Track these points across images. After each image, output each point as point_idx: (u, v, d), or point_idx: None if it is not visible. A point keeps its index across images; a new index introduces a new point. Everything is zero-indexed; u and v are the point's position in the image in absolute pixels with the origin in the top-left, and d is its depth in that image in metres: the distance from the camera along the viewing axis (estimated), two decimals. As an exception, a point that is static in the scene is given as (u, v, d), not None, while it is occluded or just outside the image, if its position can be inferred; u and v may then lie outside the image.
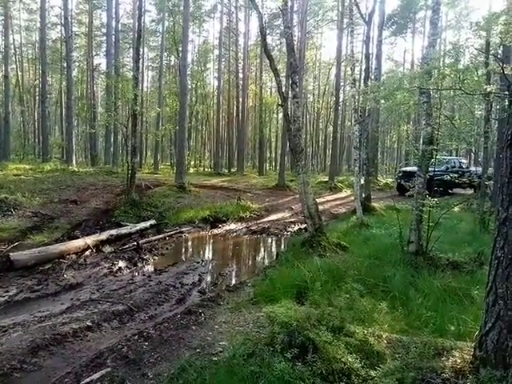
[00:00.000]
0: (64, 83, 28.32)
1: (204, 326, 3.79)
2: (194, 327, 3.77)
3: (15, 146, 28.07)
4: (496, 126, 12.17)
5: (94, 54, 33.72)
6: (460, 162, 17.91)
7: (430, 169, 6.02)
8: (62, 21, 21.98)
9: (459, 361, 2.84)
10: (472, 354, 2.83)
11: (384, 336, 3.42)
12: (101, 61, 41.35)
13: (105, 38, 28.99)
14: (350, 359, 2.97)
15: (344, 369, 2.88)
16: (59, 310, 4.34)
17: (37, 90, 33.57)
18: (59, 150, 30.66)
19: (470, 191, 16.63)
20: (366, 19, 11.96)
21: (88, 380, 2.72)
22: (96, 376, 2.77)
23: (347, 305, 4.00)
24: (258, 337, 3.37)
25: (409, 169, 17.35)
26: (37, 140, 32.94)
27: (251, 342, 3.26)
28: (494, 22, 3.49)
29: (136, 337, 3.48)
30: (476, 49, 4.15)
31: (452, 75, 4.25)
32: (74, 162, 19.68)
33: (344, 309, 3.85)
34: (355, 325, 3.58)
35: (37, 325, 3.82)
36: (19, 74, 32.06)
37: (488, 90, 4.39)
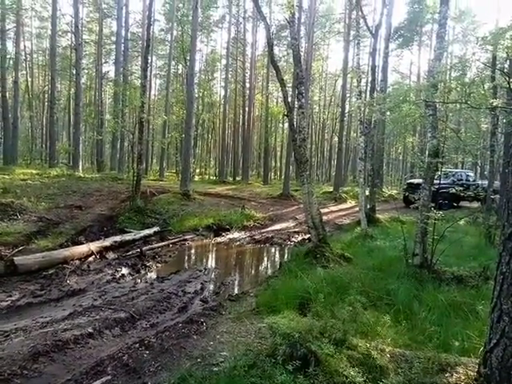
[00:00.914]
0: (73, 90, 28.70)
1: (205, 336, 3.77)
2: (195, 336, 3.75)
3: (23, 150, 28.34)
4: (502, 139, 12.15)
5: (103, 61, 34.13)
6: (467, 175, 17.78)
7: (435, 181, 6.00)
8: (73, 29, 22.25)
9: (463, 377, 2.80)
10: (476, 370, 2.79)
11: (387, 350, 3.39)
12: (109, 68, 41.93)
13: (114, 46, 29.42)
14: (352, 373, 2.95)
15: (346, 383, 2.85)
16: (61, 316, 4.34)
17: (46, 95, 33.98)
18: (66, 156, 30.89)
19: (476, 204, 16.50)
20: (373, 32, 12.05)
21: (88, 388, 2.72)
22: (96, 384, 2.76)
23: (350, 317, 3.97)
24: (260, 348, 3.35)
25: (415, 181, 17.34)
26: (44, 145, 33.23)
27: (252, 352, 3.24)
28: (501, 36, 3.51)
29: (137, 345, 3.47)
30: (482, 63, 4.16)
31: (458, 89, 4.26)
32: (80, 167, 19.81)
33: (347, 321, 3.82)
34: (358, 338, 3.55)
35: (38, 330, 3.82)
36: (29, 79, 32.47)
37: (494, 104, 4.38)
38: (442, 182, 6.29)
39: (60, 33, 30.09)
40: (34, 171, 16.84)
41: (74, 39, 25.25)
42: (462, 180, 16.77)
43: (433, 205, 6.04)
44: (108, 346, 3.58)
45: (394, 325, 4.01)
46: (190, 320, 4.19)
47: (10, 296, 5.05)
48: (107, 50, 35.71)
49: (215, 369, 3.00)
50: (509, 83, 3.40)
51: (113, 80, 28.73)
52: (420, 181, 16.82)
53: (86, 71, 35.93)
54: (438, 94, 4.88)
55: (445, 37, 5.80)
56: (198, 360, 3.20)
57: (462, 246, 8.12)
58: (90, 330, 3.78)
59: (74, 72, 23.97)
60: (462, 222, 11.31)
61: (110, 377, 2.87)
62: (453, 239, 7.68)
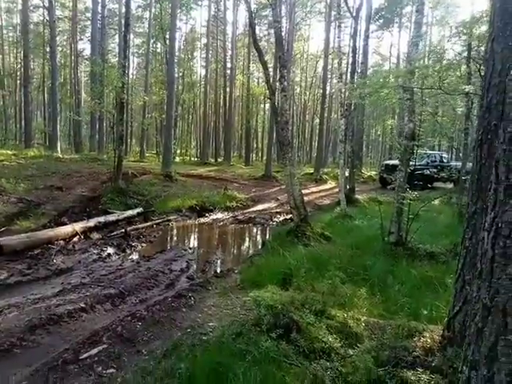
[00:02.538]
0: (47, 68, 27.73)
1: (194, 309, 3.99)
2: (184, 310, 3.96)
3: (-5, 130, 27.42)
4: (476, 122, 12.58)
5: (78, 38, 32.96)
6: (441, 157, 18.18)
7: (410, 163, 6.29)
8: (45, 3, 21.36)
9: (429, 341, 3.10)
10: (441, 334, 3.10)
11: (362, 319, 3.67)
12: (85, 46, 40.54)
13: (89, 22, 28.37)
14: (330, 339, 3.22)
15: (325, 348, 3.11)
16: (52, 293, 4.46)
17: (18, 74, 32.73)
18: (41, 136, 30.09)
19: (450, 185, 17.07)
20: (354, 14, 12.13)
21: (86, 355, 2.90)
22: (94, 351, 2.94)
23: (329, 290, 4.24)
24: (245, 318, 3.58)
25: (391, 162, 17.82)
26: (18, 125, 32.20)
27: (239, 323, 3.47)
28: (474, 25, 3.71)
29: (129, 318, 3.66)
30: (457, 52, 4.38)
31: (434, 75, 4.48)
32: (58, 148, 19.37)
33: (326, 294, 4.09)
34: (336, 309, 3.82)
35: (31, 306, 3.95)
36: (0, 57, 31.15)
37: (466, 90, 4.63)
38: (416, 163, 6.57)
39: (31, 8, 28.78)
40: (9, 152, 16.43)
41: (46, 15, 24.28)
42: (435, 162, 17.23)
43: (408, 186, 6.36)
44: (101, 319, 3.75)
45: (369, 297, 4.30)
46: (178, 295, 4.39)
47: (-2, 275, 5.13)
48: (82, 27, 34.43)
49: (204, 337, 3.22)
50: (479, 70, 3.63)
51: (89, 58, 27.85)
52: (395, 162, 17.38)
53: (60, 48, 34.58)
54: (415, 79, 5.09)
55: (422, 23, 5.98)
56: (188, 330, 3.42)
57: (435, 224, 8.55)
58: (83, 304, 3.93)
59: (48, 49, 23.15)
60: (436, 202, 11.81)
61: (106, 345, 3.06)
62: (427, 218, 8.09)
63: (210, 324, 3.55)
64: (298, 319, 3.36)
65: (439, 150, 24.00)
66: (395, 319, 3.68)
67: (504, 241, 1.31)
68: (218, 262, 7.05)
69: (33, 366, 2.85)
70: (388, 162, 19.24)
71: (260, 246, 7.90)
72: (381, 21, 32.27)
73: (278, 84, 7.82)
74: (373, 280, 4.80)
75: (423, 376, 2.61)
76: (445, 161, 17.85)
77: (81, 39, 35.39)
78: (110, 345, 3.09)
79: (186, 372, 2.58)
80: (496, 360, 1.27)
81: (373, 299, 4.28)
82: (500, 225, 1.33)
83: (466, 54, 6.16)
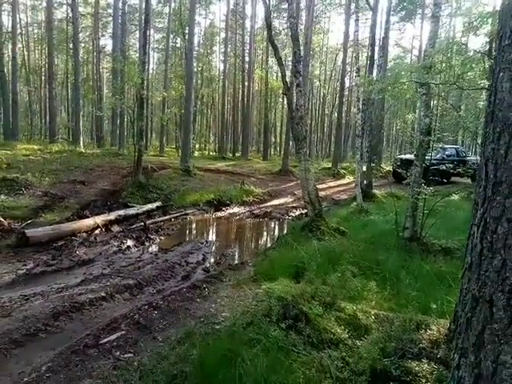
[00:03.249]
0: (70, 64, 28.39)
1: (208, 299, 4.15)
2: (198, 300, 4.12)
3: (22, 126, 28.32)
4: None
5: (100, 34, 33.58)
6: (457, 151, 17.53)
7: (426, 158, 6.25)
8: (69, 0, 21.89)
9: (436, 333, 3.16)
10: (448, 327, 3.15)
11: (372, 312, 3.73)
12: (106, 42, 41.17)
13: (110, 18, 28.87)
14: (338, 330, 3.31)
15: (333, 339, 3.21)
16: (74, 283, 4.71)
17: (43, 70, 33.62)
18: (65, 131, 30.92)
19: (468, 180, 16.65)
20: (372, 6, 11.99)
21: (106, 340, 3.09)
22: (113, 337, 3.13)
23: (340, 284, 4.32)
24: (257, 309, 3.70)
25: (404, 156, 17.56)
26: (43, 121, 33.15)
27: (250, 313, 3.60)
28: (484, 22, 3.68)
29: (146, 306, 3.85)
30: (474, 50, 4.34)
31: (448, 70, 4.45)
32: (81, 143, 19.92)
33: (336, 287, 4.17)
34: (346, 302, 3.90)
35: (55, 295, 4.19)
36: (25, 54, 32.04)
37: (481, 85, 4.59)
38: (432, 158, 6.52)
39: (55, 5, 29.49)
40: (35, 147, 17.00)
41: (69, 12, 24.86)
42: (451, 156, 16.76)
43: (423, 181, 6.32)
44: (120, 308, 3.96)
45: (380, 291, 4.36)
46: (193, 286, 4.57)
47: (25, 265, 5.42)
48: (104, 23, 35.02)
49: (217, 326, 3.37)
50: (490, 66, 3.59)
51: (111, 55, 28.38)
52: (409, 156, 17.10)
53: (83, 45, 35.34)
54: (432, 74, 5.06)
55: (439, 17, 5.91)
56: (202, 319, 3.58)
57: (453, 220, 8.45)
58: (103, 294, 4.15)
59: (71, 46, 23.69)
60: (456, 197, 11.63)
61: (124, 332, 3.25)
62: (445, 214, 8.01)
63: (223, 314, 3.69)
64: (307, 310, 3.46)
65: (462, 145, 23.41)
66: (404, 312, 3.74)
67: (491, 235, 1.38)
68: (234, 255, 7.21)
69: (56, 350, 3.07)
70: (401, 155, 18.89)
71: (275, 240, 8.01)
72: (403, 12, 31.63)
73: (294, 79, 7.84)
74: (385, 274, 4.84)
75: (427, 367, 2.68)
76: (462, 155, 17.33)
77: (103, 35, 36.03)
78: (127, 331, 3.28)
79: (199, 358, 2.73)
80: (483, 348, 1.35)
81: (383, 293, 4.33)
82: (488, 220, 1.40)
83: (488, 47, 6.05)
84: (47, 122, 28.58)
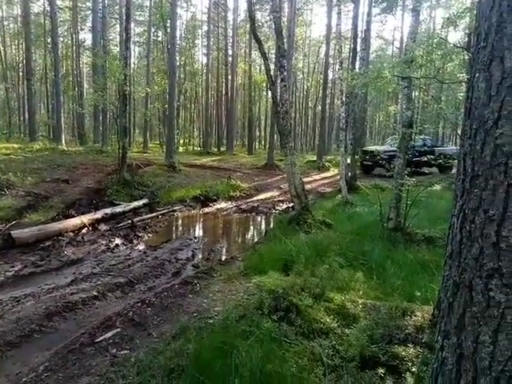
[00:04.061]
0: (49, 59, 27.73)
1: (199, 295, 4.22)
2: (190, 296, 4.19)
3: (0, 124, 27.63)
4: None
5: (79, 28, 32.85)
6: (424, 141, 16.71)
7: (389, 148, 6.41)
8: (46, -6, 21.37)
9: (420, 319, 3.31)
10: (431, 313, 3.30)
11: (360, 301, 3.87)
12: (86, 36, 40.35)
13: (90, 12, 28.25)
14: (328, 320, 3.43)
15: (323, 328, 3.32)
16: (65, 283, 4.71)
17: (20, 66, 32.76)
18: (45, 128, 30.27)
19: (435, 170, 16.77)
20: (354, -1, 12.07)
21: (101, 338, 3.13)
22: (108, 335, 3.18)
23: (328, 275, 4.45)
24: (248, 302, 3.80)
25: (369, 148, 17.91)
26: (22, 118, 32.38)
27: (242, 306, 3.69)
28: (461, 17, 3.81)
29: (139, 304, 3.89)
30: (454, 44, 4.47)
31: (428, 64, 4.58)
32: (62, 141, 19.53)
33: (325, 278, 4.29)
34: (334, 292, 4.02)
35: (47, 295, 4.20)
36: (1, 49, 31.12)
37: (460, 79, 4.74)
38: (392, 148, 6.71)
39: (32, -2, 28.66)
40: (15, 145, 16.61)
41: (47, 5, 24.20)
42: (417, 147, 16.67)
43: (406, 172, 6.48)
44: (113, 306, 4.00)
45: (367, 281, 4.50)
46: (184, 282, 4.62)
47: (13, 267, 5.38)
48: (82, 17, 34.27)
49: (210, 321, 3.45)
50: (469, 59, 3.72)
51: (90, 49, 27.82)
52: (373, 148, 17.40)
53: (61, 39, 34.54)
54: (411, 69, 5.19)
55: (419, 11, 6.03)
56: (195, 314, 3.65)
57: (435, 210, 8.69)
58: (95, 293, 4.17)
59: (50, 40, 23.16)
60: (438, 188, 11.92)
61: (119, 329, 3.30)
62: (427, 204, 8.23)
63: (215, 308, 3.77)
64: (297, 302, 3.57)
65: (443, 136, 23.77)
66: (390, 301, 3.88)
67: (470, 225, 1.49)
68: (223, 250, 7.28)
69: (53, 349, 3.10)
70: (366, 148, 18.91)
71: (263, 234, 8.10)
72: (384, 4, 31.84)
73: (278, 74, 7.90)
74: (371, 265, 5.00)
75: (413, 351, 2.82)
76: (429, 145, 16.92)
77: (82, 29, 35.25)
78: (122, 329, 3.33)
79: (194, 351, 2.80)
80: (464, 329, 1.46)
81: (370, 283, 4.48)
82: (467, 211, 1.50)
83: (467, 40, 6.22)
84: (26, 120, 27.90)
